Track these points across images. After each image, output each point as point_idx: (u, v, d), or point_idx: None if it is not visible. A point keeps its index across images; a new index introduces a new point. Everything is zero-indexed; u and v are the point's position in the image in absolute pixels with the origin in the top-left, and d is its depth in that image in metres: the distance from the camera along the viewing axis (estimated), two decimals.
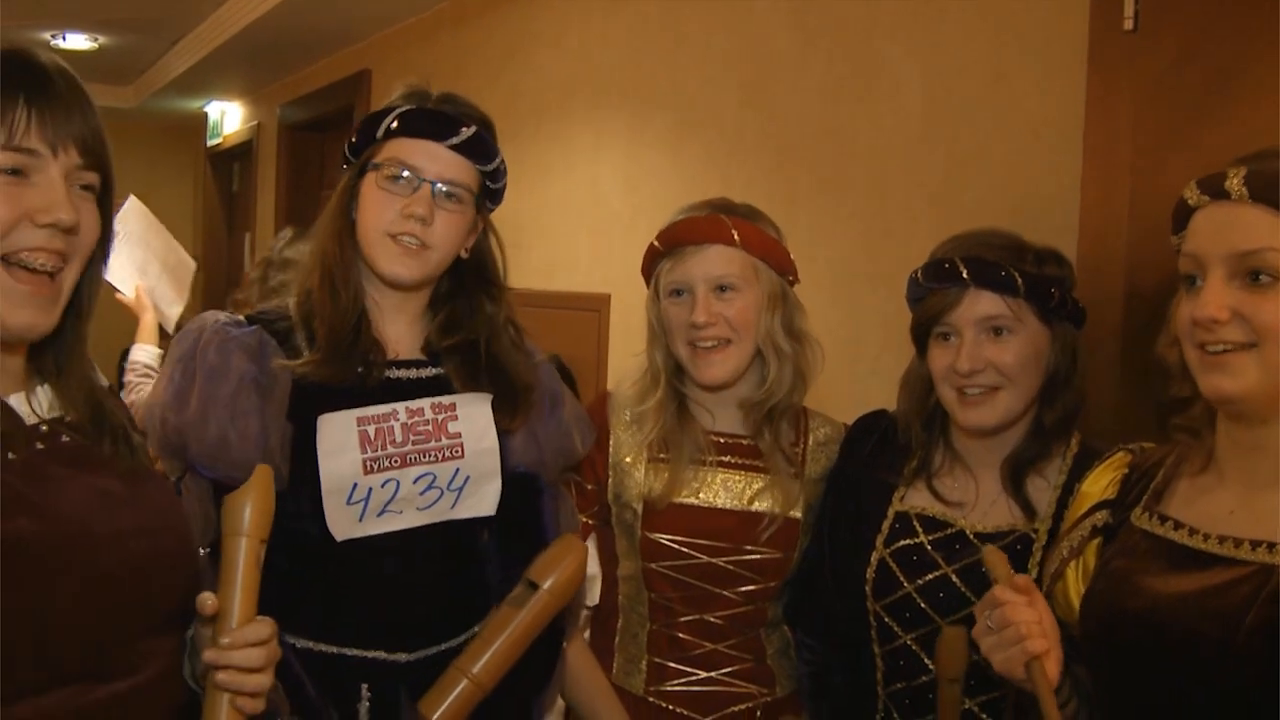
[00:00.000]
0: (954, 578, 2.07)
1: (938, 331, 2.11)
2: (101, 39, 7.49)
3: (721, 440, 2.36)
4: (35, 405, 1.58)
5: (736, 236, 2.31)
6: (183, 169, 10.87)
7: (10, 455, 1.51)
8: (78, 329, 1.63)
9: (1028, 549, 2.07)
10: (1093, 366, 2.22)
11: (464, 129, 2.10)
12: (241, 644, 1.58)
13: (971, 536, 2.11)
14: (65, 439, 1.58)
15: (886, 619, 2.11)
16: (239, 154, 8.96)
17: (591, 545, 2.40)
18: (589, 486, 2.40)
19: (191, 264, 4.78)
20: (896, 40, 3.10)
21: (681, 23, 3.99)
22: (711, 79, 3.82)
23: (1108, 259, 2.41)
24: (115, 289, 4.09)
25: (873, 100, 3.17)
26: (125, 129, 10.18)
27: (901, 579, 2.10)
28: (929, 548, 2.12)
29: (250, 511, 1.70)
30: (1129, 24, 2.42)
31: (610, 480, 2.39)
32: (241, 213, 8.76)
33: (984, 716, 2.09)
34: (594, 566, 2.39)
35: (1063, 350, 2.09)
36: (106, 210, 1.59)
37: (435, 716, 1.96)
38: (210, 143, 9.54)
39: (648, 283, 2.45)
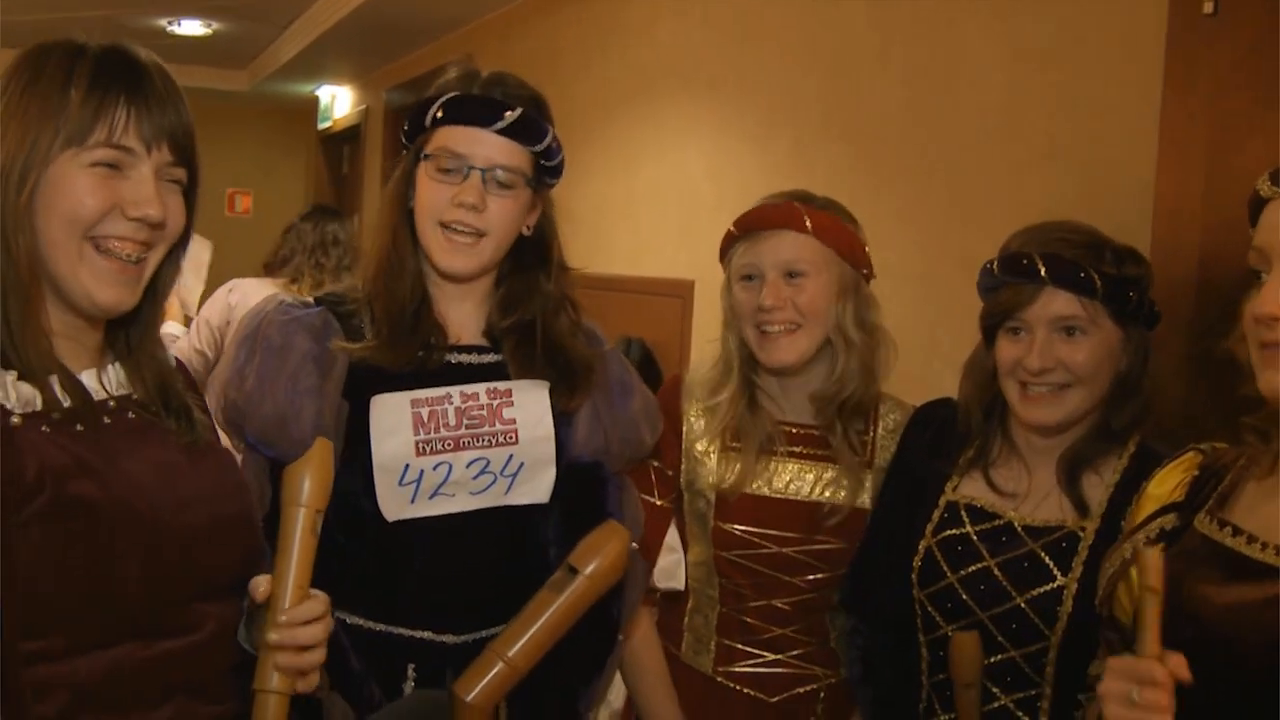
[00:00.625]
0: (996, 570, 2.09)
1: (1009, 326, 2.11)
2: (215, 24, 7.75)
3: (792, 430, 2.40)
4: (105, 382, 1.64)
5: (809, 224, 2.34)
6: (295, 151, 11.18)
7: (79, 427, 1.56)
8: (153, 309, 1.71)
9: (1073, 547, 2.08)
10: (1161, 359, 2.22)
11: (509, 112, 2.10)
12: (298, 622, 1.64)
13: (1020, 529, 2.12)
14: (131, 415, 1.65)
15: (930, 608, 2.13)
16: (348, 137, 9.16)
17: (674, 529, 2.46)
18: (669, 472, 2.45)
19: (208, 246, 4.93)
20: (977, 27, 3.13)
21: (766, 15, 4.07)
22: (795, 70, 3.89)
23: (1181, 247, 2.42)
24: None
25: (954, 89, 3.22)
26: (239, 112, 10.54)
27: (945, 569, 2.11)
28: (974, 538, 2.14)
29: (309, 482, 1.75)
30: (1209, 7, 2.42)
31: (684, 468, 2.44)
32: (350, 195, 8.95)
33: (1020, 714, 2.11)
34: (679, 550, 2.45)
35: (1135, 352, 2.09)
36: (191, 201, 1.66)
37: (470, 697, 1.97)
38: (321, 126, 9.83)
39: (724, 268, 2.50)
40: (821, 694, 2.42)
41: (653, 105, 4.82)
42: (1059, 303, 2.04)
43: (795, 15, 3.91)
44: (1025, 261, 2.06)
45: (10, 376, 1.55)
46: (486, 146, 2.08)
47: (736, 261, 2.40)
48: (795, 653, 2.42)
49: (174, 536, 1.61)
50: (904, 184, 3.39)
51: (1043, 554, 2.09)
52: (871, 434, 2.44)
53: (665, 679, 2.40)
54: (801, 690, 2.43)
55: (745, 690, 2.42)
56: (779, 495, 2.37)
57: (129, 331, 1.70)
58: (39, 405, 1.55)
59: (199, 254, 4.87)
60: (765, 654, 2.43)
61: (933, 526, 2.19)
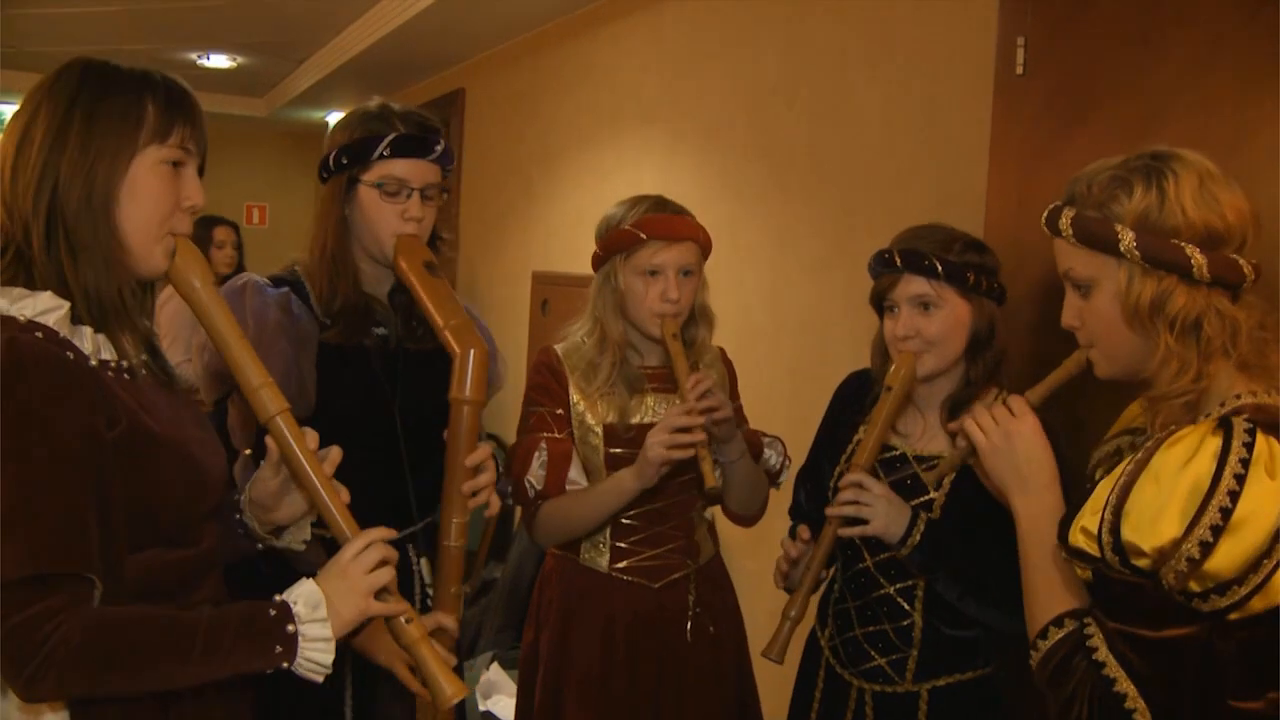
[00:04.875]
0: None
1: (885, 305, 2.28)
2: (239, 59, 7.86)
3: (650, 372, 2.65)
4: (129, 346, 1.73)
5: (701, 236, 2.59)
6: (306, 170, 10.53)
7: (126, 377, 1.68)
8: (152, 284, 1.81)
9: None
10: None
11: (438, 146, 2.34)
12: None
13: (910, 457, 2.29)
14: (144, 373, 1.75)
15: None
16: None
17: (578, 464, 2.61)
18: (559, 411, 2.60)
19: None
20: (860, 77, 3.39)
21: (701, 63, 4.28)
22: (725, 107, 4.12)
23: (1002, 240, 2.65)
24: None
25: (844, 124, 3.47)
26: (257, 135, 10.38)
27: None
28: (875, 465, 2.29)
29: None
30: (1020, 69, 2.74)
31: (573, 413, 2.61)
32: None
33: (900, 601, 2.30)
34: (583, 481, 2.61)
35: (982, 320, 2.25)
36: None
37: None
38: None
39: (609, 255, 2.59)
40: (692, 577, 2.67)
41: (615, 133, 4.97)
42: (914, 284, 2.21)
43: (724, 64, 4.11)
44: (888, 255, 2.25)
45: (87, 330, 1.63)
46: (424, 172, 2.32)
47: (645, 260, 2.53)
48: (669, 546, 2.65)
49: (202, 470, 1.73)
50: (807, 196, 3.62)
51: (922, 475, 2.27)
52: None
53: (588, 490, 2.56)
54: (677, 576, 2.65)
55: (635, 580, 2.63)
56: (649, 422, 2.57)
57: (140, 306, 1.77)
58: (102, 355, 1.65)
59: None
60: (647, 550, 2.63)
61: (846, 455, 2.38)
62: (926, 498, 2.26)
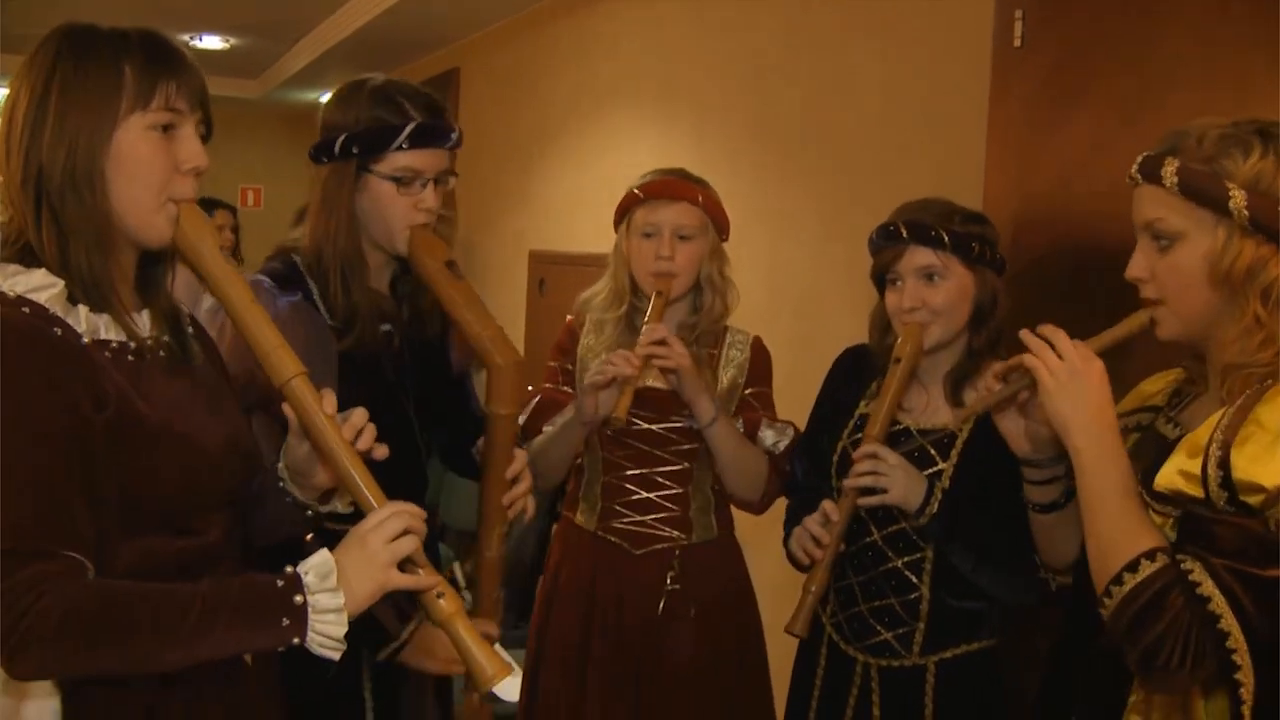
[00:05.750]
0: None
1: (889, 278, 2.29)
2: (232, 40, 7.85)
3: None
4: (141, 323, 1.70)
5: (700, 199, 2.64)
6: (300, 151, 10.00)
7: (130, 358, 1.63)
8: (173, 257, 1.76)
9: (953, 442, 2.28)
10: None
11: (453, 134, 2.26)
12: None
13: (915, 431, 2.30)
14: (161, 353, 1.70)
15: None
16: None
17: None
18: (569, 368, 2.73)
19: None
20: (860, 53, 3.44)
21: (704, 39, 4.33)
22: (725, 84, 4.18)
23: (1001, 214, 2.66)
24: None
25: (843, 102, 3.52)
26: (251, 116, 10.34)
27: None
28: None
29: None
30: (1018, 42, 2.75)
31: (577, 368, 2.71)
32: None
33: (909, 574, 2.31)
34: None
35: (985, 290, 2.27)
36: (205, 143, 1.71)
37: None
38: None
39: (620, 220, 2.71)
40: (677, 551, 2.69)
41: (613, 111, 5.02)
42: (919, 256, 2.23)
43: (722, 40, 4.17)
44: (892, 228, 2.26)
45: (83, 309, 1.59)
46: (439, 160, 2.22)
47: (640, 219, 2.64)
48: (658, 515, 2.69)
49: (205, 458, 1.67)
50: (807, 174, 3.66)
51: (929, 448, 2.28)
52: (718, 352, 2.74)
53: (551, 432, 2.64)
54: (659, 547, 2.69)
55: (617, 542, 2.70)
56: (647, 385, 2.60)
57: (153, 282, 1.74)
58: (101, 335, 1.61)
59: None
60: (634, 514, 2.69)
61: (848, 431, 2.38)
62: (935, 468, 2.28)
